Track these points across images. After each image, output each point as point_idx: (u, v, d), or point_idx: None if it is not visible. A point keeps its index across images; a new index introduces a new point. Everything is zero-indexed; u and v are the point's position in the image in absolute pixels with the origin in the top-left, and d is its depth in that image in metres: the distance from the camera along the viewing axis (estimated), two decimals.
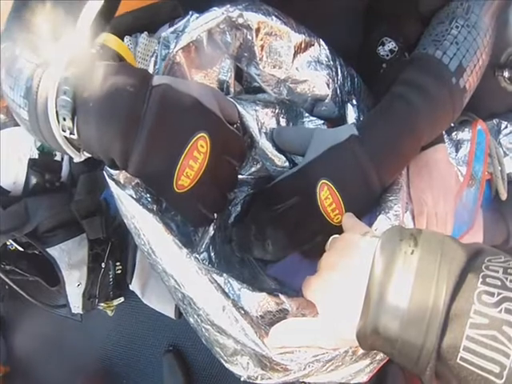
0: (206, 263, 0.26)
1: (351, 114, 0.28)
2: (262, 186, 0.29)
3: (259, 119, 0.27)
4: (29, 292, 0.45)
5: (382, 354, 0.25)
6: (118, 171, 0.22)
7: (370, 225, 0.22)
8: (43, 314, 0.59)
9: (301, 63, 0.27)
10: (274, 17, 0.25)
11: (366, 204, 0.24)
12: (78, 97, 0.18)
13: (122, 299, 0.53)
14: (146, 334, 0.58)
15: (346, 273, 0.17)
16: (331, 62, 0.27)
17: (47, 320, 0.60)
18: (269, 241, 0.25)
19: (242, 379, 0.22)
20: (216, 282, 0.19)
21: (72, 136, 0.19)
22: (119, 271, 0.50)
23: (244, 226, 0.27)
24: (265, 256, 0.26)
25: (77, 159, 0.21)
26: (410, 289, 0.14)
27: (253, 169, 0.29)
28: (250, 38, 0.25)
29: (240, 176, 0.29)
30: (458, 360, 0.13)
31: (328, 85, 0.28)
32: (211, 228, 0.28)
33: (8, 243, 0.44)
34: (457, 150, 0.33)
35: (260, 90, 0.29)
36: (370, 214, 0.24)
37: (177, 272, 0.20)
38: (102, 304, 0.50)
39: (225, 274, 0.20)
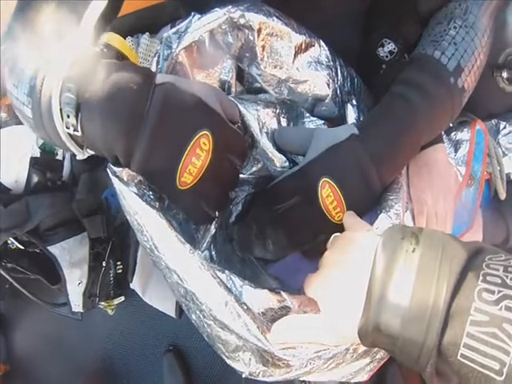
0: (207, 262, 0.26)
1: (351, 114, 0.28)
2: (263, 185, 0.29)
3: (260, 119, 0.27)
4: (30, 290, 0.45)
5: (382, 353, 0.25)
6: (121, 169, 0.22)
7: (371, 223, 0.22)
8: (43, 312, 0.59)
9: (301, 63, 0.27)
10: (275, 18, 0.25)
11: (367, 202, 0.24)
12: (82, 94, 0.18)
13: (122, 298, 0.53)
14: (146, 333, 0.58)
15: (347, 270, 0.17)
16: (331, 63, 0.28)
17: (47, 319, 0.60)
18: (269, 240, 0.25)
19: (243, 376, 0.22)
20: (219, 277, 0.19)
21: (76, 133, 0.19)
22: (120, 270, 0.50)
23: (245, 225, 0.27)
24: (266, 255, 0.26)
25: (80, 156, 0.21)
26: (411, 287, 0.14)
27: (254, 168, 0.30)
28: (252, 38, 0.25)
29: (241, 175, 0.29)
30: (458, 357, 0.13)
31: (328, 85, 0.28)
32: (213, 226, 0.28)
33: (9, 242, 0.44)
34: (456, 150, 0.33)
35: (261, 91, 0.29)
36: (370, 212, 0.24)
37: (180, 267, 0.20)
38: (103, 303, 0.50)
39: (227, 271, 0.20)
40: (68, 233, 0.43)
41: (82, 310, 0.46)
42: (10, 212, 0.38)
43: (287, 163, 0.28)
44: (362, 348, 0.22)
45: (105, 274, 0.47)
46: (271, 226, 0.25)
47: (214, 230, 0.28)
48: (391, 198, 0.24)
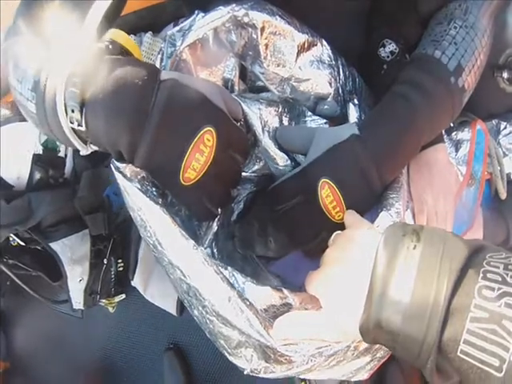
0: None
1: (353, 113, 0.28)
2: (265, 183, 0.29)
3: (263, 118, 0.27)
4: (31, 287, 0.45)
5: (382, 352, 0.25)
6: (124, 165, 0.22)
7: (372, 222, 0.22)
8: (44, 310, 0.59)
9: (304, 62, 0.27)
10: (278, 16, 0.25)
11: (367, 202, 0.24)
12: (87, 89, 0.18)
13: (123, 296, 0.53)
14: (147, 331, 0.58)
15: (348, 267, 0.17)
16: (333, 62, 0.28)
17: (48, 316, 0.60)
18: (271, 238, 0.25)
19: (245, 372, 0.22)
20: (222, 273, 0.19)
21: (80, 128, 0.19)
22: (121, 268, 0.50)
23: (246, 223, 0.27)
24: (267, 253, 0.26)
25: (83, 152, 0.21)
26: (412, 283, 0.14)
27: (256, 167, 0.30)
28: (255, 36, 0.25)
29: (243, 173, 0.29)
30: (458, 353, 0.14)
31: (330, 84, 0.28)
32: (215, 224, 0.28)
33: (10, 238, 0.44)
34: (456, 150, 0.33)
35: (263, 90, 0.29)
36: (371, 211, 0.24)
37: (183, 263, 0.20)
38: (104, 300, 0.50)
39: (229, 268, 0.20)
40: (70, 230, 0.43)
41: (82, 307, 0.46)
42: (12, 208, 0.38)
43: (289, 162, 0.28)
44: (363, 345, 0.22)
45: (106, 272, 0.47)
46: (273, 224, 0.25)
47: (216, 228, 0.28)
48: (392, 196, 0.24)
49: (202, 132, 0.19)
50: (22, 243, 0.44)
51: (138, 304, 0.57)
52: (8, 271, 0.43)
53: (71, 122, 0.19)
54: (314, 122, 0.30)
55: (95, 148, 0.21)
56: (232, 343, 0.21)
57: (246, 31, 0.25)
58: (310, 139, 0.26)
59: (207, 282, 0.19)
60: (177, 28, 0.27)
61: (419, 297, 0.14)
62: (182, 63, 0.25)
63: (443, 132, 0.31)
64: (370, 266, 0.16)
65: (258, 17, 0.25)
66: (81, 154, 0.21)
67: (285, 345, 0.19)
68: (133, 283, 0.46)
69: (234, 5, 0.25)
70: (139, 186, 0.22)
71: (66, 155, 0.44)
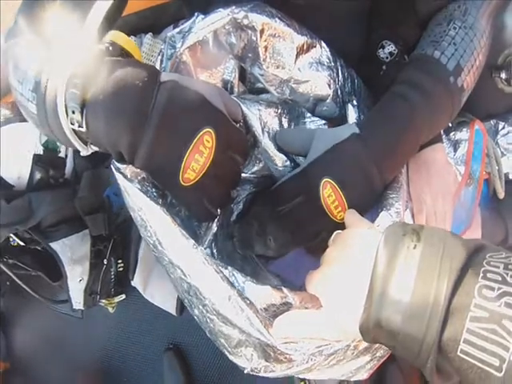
0: None
1: (352, 114, 0.28)
2: (265, 184, 0.29)
3: (262, 119, 0.27)
4: (31, 286, 0.45)
5: (382, 351, 0.25)
6: (124, 165, 0.22)
7: (372, 221, 0.22)
8: (44, 310, 0.59)
9: (303, 64, 0.27)
10: (277, 19, 0.25)
11: (368, 201, 0.24)
12: (88, 90, 0.19)
13: (123, 296, 0.53)
14: (146, 331, 0.58)
15: (348, 266, 0.17)
16: (332, 64, 0.28)
17: (48, 316, 0.60)
18: (270, 237, 0.25)
19: (245, 371, 0.22)
20: (222, 272, 0.19)
21: (80, 129, 0.19)
22: (121, 268, 0.50)
23: (246, 223, 0.28)
24: (266, 252, 0.26)
25: (84, 153, 0.21)
26: (412, 283, 0.15)
27: (255, 168, 0.30)
28: (255, 39, 0.26)
29: (243, 174, 0.29)
30: (458, 352, 0.14)
31: (329, 85, 0.28)
32: (214, 225, 0.28)
33: (10, 239, 0.44)
34: (455, 150, 0.33)
35: (263, 91, 0.30)
36: (371, 210, 0.24)
37: (183, 262, 0.20)
38: (104, 300, 0.50)
39: (229, 267, 0.20)
40: (70, 230, 0.43)
41: (82, 308, 0.46)
42: (12, 208, 0.38)
43: (288, 162, 0.28)
44: (363, 345, 0.22)
45: (106, 272, 0.47)
46: (272, 223, 0.25)
47: (215, 228, 0.28)
48: (392, 196, 0.24)
49: (201, 133, 0.19)
50: (22, 243, 0.44)
51: (137, 304, 0.57)
52: (8, 271, 0.43)
53: (72, 123, 0.19)
54: (313, 123, 0.30)
55: (95, 149, 0.21)
56: (232, 342, 0.21)
57: (246, 33, 0.26)
58: (310, 141, 0.26)
59: (207, 280, 0.19)
60: (177, 30, 0.27)
61: (419, 296, 0.14)
62: (182, 65, 0.25)
63: (442, 132, 0.31)
64: (370, 266, 0.16)
65: (258, 19, 0.25)
66: (81, 154, 0.21)
67: (285, 343, 0.19)
68: (133, 283, 0.46)
69: (233, 7, 0.25)
70: (139, 187, 0.22)
71: (66, 156, 0.45)
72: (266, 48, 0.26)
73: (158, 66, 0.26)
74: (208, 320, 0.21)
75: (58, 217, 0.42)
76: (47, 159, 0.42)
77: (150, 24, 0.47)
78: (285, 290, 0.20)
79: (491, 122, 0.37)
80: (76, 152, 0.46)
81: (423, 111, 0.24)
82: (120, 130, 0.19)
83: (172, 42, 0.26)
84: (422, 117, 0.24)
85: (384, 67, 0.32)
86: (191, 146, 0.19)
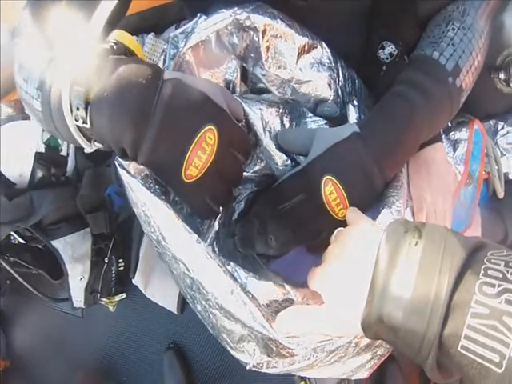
0: None
1: (352, 114, 0.29)
2: (266, 183, 0.30)
3: (264, 118, 0.28)
4: (32, 285, 0.45)
5: (382, 350, 0.25)
6: (128, 162, 0.22)
7: (373, 219, 0.23)
8: (44, 309, 0.59)
9: (304, 64, 0.28)
10: (279, 20, 0.26)
11: (369, 199, 0.24)
12: (92, 87, 0.19)
13: (124, 295, 0.53)
14: (147, 331, 0.57)
15: (350, 263, 0.17)
16: (333, 64, 0.28)
17: (48, 315, 0.60)
18: (271, 236, 0.26)
19: (247, 367, 0.22)
20: (225, 266, 0.19)
21: (84, 125, 0.19)
22: (122, 267, 0.50)
23: (247, 221, 0.28)
24: (267, 251, 0.26)
25: (87, 149, 0.21)
26: (413, 279, 0.15)
27: (257, 167, 0.30)
28: (257, 39, 0.26)
29: (244, 173, 0.29)
30: (458, 348, 0.14)
31: (330, 86, 0.29)
32: (216, 223, 0.28)
33: (11, 237, 0.44)
34: (454, 150, 0.34)
35: (264, 91, 0.30)
36: (372, 209, 0.24)
37: (186, 257, 0.20)
38: (104, 299, 0.50)
39: (232, 263, 0.20)
40: (71, 228, 0.43)
41: (83, 306, 0.46)
42: (14, 206, 0.39)
43: (289, 162, 0.29)
44: (364, 342, 0.22)
45: (107, 271, 0.47)
46: (273, 222, 0.25)
47: (217, 227, 0.28)
48: (393, 194, 0.25)
49: (203, 130, 0.20)
50: (23, 241, 0.45)
51: (138, 303, 0.57)
52: (9, 268, 0.43)
53: (76, 120, 0.19)
54: (314, 122, 0.30)
55: (99, 145, 0.21)
56: (235, 337, 0.21)
57: (248, 34, 0.26)
58: (311, 140, 0.26)
59: (210, 275, 0.19)
60: (179, 30, 0.27)
61: (420, 292, 0.14)
62: (185, 64, 0.25)
63: (441, 131, 0.31)
64: (371, 262, 0.16)
65: (260, 20, 0.25)
66: (85, 151, 0.22)
67: (287, 337, 0.19)
68: (134, 281, 0.46)
69: (236, 8, 0.25)
70: (142, 184, 0.22)
71: (68, 154, 0.45)
72: (267, 48, 0.26)
73: (160, 66, 0.26)
74: (211, 315, 0.21)
75: (59, 215, 0.42)
76: (49, 157, 0.42)
77: (152, 24, 0.48)
78: (287, 286, 0.20)
79: (490, 122, 0.37)
80: (78, 150, 0.46)
81: (423, 111, 0.24)
82: (123, 126, 0.19)
83: (175, 42, 0.27)
84: (422, 116, 0.25)
85: (384, 68, 0.32)
86: (194, 143, 0.19)
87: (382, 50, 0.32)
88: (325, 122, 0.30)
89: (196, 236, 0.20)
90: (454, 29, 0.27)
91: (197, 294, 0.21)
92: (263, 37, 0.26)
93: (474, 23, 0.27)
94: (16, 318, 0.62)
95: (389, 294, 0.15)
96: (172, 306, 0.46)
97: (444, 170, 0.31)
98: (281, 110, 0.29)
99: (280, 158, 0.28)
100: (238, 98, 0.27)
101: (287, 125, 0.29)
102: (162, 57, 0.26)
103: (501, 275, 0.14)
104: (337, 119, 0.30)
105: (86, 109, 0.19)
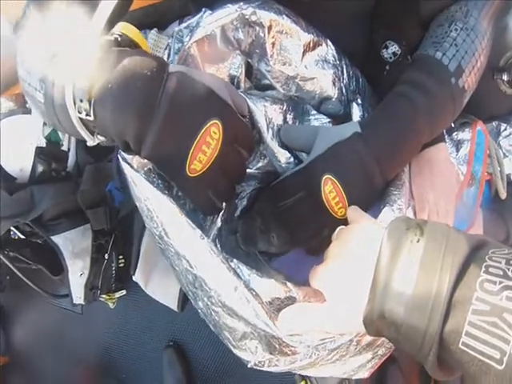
0: None
1: (356, 113, 0.29)
2: (269, 180, 0.30)
3: (267, 115, 0.28)
4: (32, 280, 0.45)
5: (383, 349, 0.25)
6: (131, 156, 0.22)
7: (375, 218, 0.23)
8: (44, 305, 0.59)
9: (309, 61, 0.28)
10: (285, 16, 0.26)
11: (369, 198, 0.24)
12: (96, 79, 0.19)
13: (124, 292, 0.53)
14: (146, 328, 0.57)
15: (352, 260, 0.17)
16: (337, 62, 0.28)
17: (48, 311, 0.59)
18: (273, 234, 0.26)
19: (249, 365, 0.22)
20: (228, 262, 0.19)
21: (88, 118, 0.19)
22: (122, 264, 0.49)
23: (249, 219, 0.28)
24: (269, 249, 0.26)
25: (90, 143, 0.21)
26: (414, 276, 0.15)
27: (260, 163, 0.30)
28: (262, 35, 0.26)
29: (248, 170, 0.29)
30: (459, 345, 0.14)
31: (334, 83, 0.29)
32: (219, 219, 0.28)
33: (11, 232, 0.44)
34: (457, 150, 0.34)
35: (269, 88, 0.30)
36: (373, 207, 0.24)
37: (189, 253, 0.20)
38: (104, 296, 0.50)
39: (235, 260, 0.20)
40: (71, 223, 0.43)
41: (83, 302, 0.46)
42: (14, 200, 0.38)
43: (292, 159, 0.29)
44: (365, 340, 0.22)
45: (107, 267, 0.47)
46: (275, 220, 0.25)
47: (219, 223, 0.28)
48: (394, 193, 0.25)
49: (208, 124, 0.20)
50: (23, 236, 0.44)
51: (138, 301, 0.56)
52: (9, 264, 0.42)
53: (79, 112, 0.19)
54: (317, 120, 0.30)
55: (102, 139, 0.21)
56: (237, 335, 0.21)
57: (254, 29, 0.26)
58: (314, 137, 0.26)
59: (213, 271, 0.19)
60: (184, 24, 0.27)
61: (422, 289, 0.14)
62: (190, 58, 0.25)
63: (444, 132, 0.31)
64: (373, 259, 0.16)
65: (266, 16, 0.25)
66: (87, 144, 0.21)
67: (290, 335, 0.19)
68: (134, 278, 0.45)
69: (241, 3, 0.25)
70: (145, 178, 0.22)
71: (69, 149, 0.44)
72: (273, 44, 0.26)
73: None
74: (213, 312, 0.21)
75: (59, 210, 0.42)
76: (50, 152, 0.42)
77: (154, 20, 0.47)
78: (289, 284, 0.20)
79: (493, 123, 0.37)
80: (79, 145, 0.46)
81: (425, 111, 0.24)
82: (127, 119, 0.19)
83: (179, 36, 0.26)
84: (424, 117, 0.25)
85: (387, 67, 0.32)
86: (198, 137, 0.19)
87: (385, 50, 0.32)
88: (328, 120, 0.30)
89: (199, 231, 0.20)
90: (456, 29, 0.27)
91: (199, 291, 0.21)
92: (269, 32, 0.26)
93: (477, 24, 0.27)
94: (16, 313, 0.62)
95: (391, 290, 0.15)
96: (172, 303, 0.45)
97: (447, 170, 0.31)
98: (285, 107, 0.29)
99: (283, 156, 0.28)
100: (242, 94, 0.27)
101: (290, 122, 0.29)
102: (167, 51, 0.26)
103: (502, 273, 0.14)
104: (340, 117, 0.30)
105: (89, 101, 0.19)
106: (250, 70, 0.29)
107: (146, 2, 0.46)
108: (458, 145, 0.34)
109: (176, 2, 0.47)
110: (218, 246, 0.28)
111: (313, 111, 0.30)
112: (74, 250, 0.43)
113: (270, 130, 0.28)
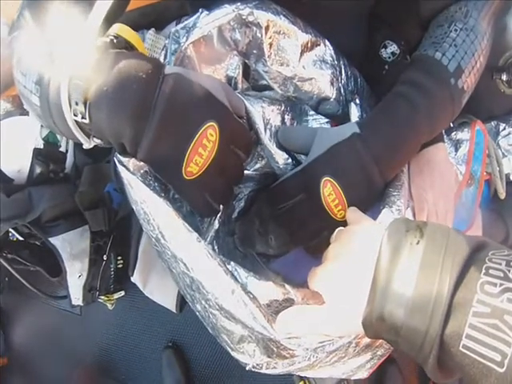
0: None
1: (354, 113, 0.29)
2: (267, 182, 0.29)
3: (265, 116, 0.27)
4: (30, 282, 0.45)
5: (383, 350, 0.25)
6: (127, 159, 0.22)
7: (374, 219, 0.22)
8: (43, 306, 0.59)
9: (307, 62, 0.27)
10: (282, 16, 0.26)
11: (369, 199, 0.24)
12: (91, 82, 0.19)
13: (122, 293, 0.53)
14: (145, 329, 0.58)
15: (351, 261, 0.17)
16: (335, 62, 0.28)
17: (46, 313, 0.59)
18: (272, 236, 0.26)
19: (247, 368, 0.22)
20: (225, 265, 0.19)
21: (83, 120, 0.19)
22: (120, 265, 0.49)
23: (247, 220, 0.28)
24: (267, 251, 0.26)
25: (86, 145, 0.21)
26: (414, 278, 0.15)
27: (258, 165, 0.30)
28: (259, 35, 0.26)
29: (245, 171, 0.29)
30: (460, 347, 0.14)
31: (332, 83, 0.28)
32: (216, 221, 0.28)
33: (10, 234, 0.44)
34: (456, 150, 0.34)
35: (266, 89, 0.30)
36: (373, 208, 0.24)
37: (186, 256, 0.20)
38: (103, 297, 0.50)
39: (232, 262, 0.20)
40: (69, 225, 0.43)
41: (81, 304, 0.46)
42: (12, 202, 0.38)
43: (290, 160, 0.28)
44: (365, 342, 0.22)
45: (105, 268, 0.47)
46: (274, 222, 0.25)
47: (217, 225, 0.28)
48: (394, 194, 0.24)
49: (205, 127, 0.19)
50: (21, 238, 0.44)
51: (137, 302, 0.56)
52: (7, 266, 0.42)
53: (75, 115, 0.19)
54: (316, 120, 0.30)
55: (98, 141, 0.21)
56: (235, 338, 0.21)
57: (251, 30, 0.26)
58: (312, 139, 0.26)
59: (211, 274, 0.19)
60: (181, 25, 0.27)
61: (422, 290, 0.14)
62: (187, 59, 0.25)
63: (443, 132, 0.31)
64: (373, 261, 0.16)
65: (263, 16, 0.25)
66: (84, 147, 0.21)
67: (288, 338, 0.19)
68: (132, 279, 0.45)
69: (238, 3, 0.25)
70: (142, 181, 0.22)
71: (66, 150, 0.44)
72: (270, 45, 0.26)
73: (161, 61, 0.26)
74: (210, 315, 0.21)
75: (57, 211, 0.42)
76: (47, 153, 0.42)
77: (152, 20, 0.47)
78: (287, 286, 0.20)
79: (492, 123, 0.37)
80: (77, 146, 0.46)
81: (424, 112, 0.24)
82: (123, 121, 0.19)
83: (176, 37, 0.26)
84: (423, 117, 0.24)
85: (386, 67, 0.32)
86: (195, 139, 0.19)
87: (384, 49, 0.32)
88: (326, 120, 0.30)
89: (196, 234, 0.20)
90: (456, 30, 0.27)
91: (196, 294, 0.21)
92: (266, 33, 0.25)
93: (477, 24, 0.27)
94: (14, 315, 0.62)
95: (390, 292, 0.15)
96: (171, 304, 0.45)
97: (446, 170, 0.31)
98: (282, 108, 0.28)
99: (281, 157, 0.28)
100: (239, 95, 0.27)
101: (288, 123, 0.29)
102: (163, 52, 0.26)
103: (502, 274, 0.14)
104: (339, 117, 0.30)
105: (84, 104, 0.19)
106: (247, 71, 0.29)
107: (143, 2, 0.46)
108: (456, 144, 0.34)
109: (173, 3, 0.46)
110: (216, 247, 0.28)
111: (311, 112, 0.30)
112: (73, 251, 0.43)
113: (268, 131, 0.28)
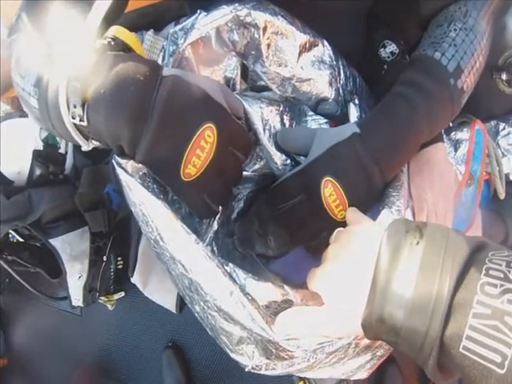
0: None
1: (353, 113, 0.29)
2: (266, 182, 0.29)
3: (264, 116, 0.27)
4: (30, 283, 0.45)
5: (382, 350, 0.25)
6: (125, 161, 0.22)
7: (374, 220, 0.22)
8: (43, 307, 0.59)
9: (305, 62, 0.27)
10: (280, 16, 0.25)
11: (369, 199, 0.24)
12: (89, 84, 0.19)
13: (122, 294, 0.53)
14: (146, 329, 0.58)
15: (350, 262, 0.17)
16: (334, 62, 0.28)
17: (47, 314, 0.60)
18: (271, 237, 0.25)
19: (246, 369, 0.22)
20: (224, 267, 0.19)
21: (81, 123, 0.19)
22: (120, 266, 0.50)
23: (247, 221, 0.28)
24: (267, 252, 0.26)
25: (85, 148, 0.21)
26: (414, 279, 0.15)
27: (257, 166, 0.30)
28: (257, 36, 0.26)
29: (244, 172, 0.29)
30: (460, 349, 0.14)
31: (331, 84, 0.28)
32: (215, 222, 0.28)
33: (10, 235, 0.44)
34: (455, 150, 0.34)
35: (265, 89, 0.30)
36: (372, 209, 0.24)
37: (185, 257, 0.20)
38: (103, 298, 0.50)
39: (231, 264, 0.20)
40: (69, 226, 0.43)
41: (82, 305, 0.46)
42: (12, 204, 0.38)
43: (288, 161, 0.28)
44: (364, 343, 0.22)
45: (105, 269, 0.47)
46: (273, 223, 0.25)
47: (216, 226, 0.28)
48: (393, 194, 0.24)
49: (202, 128, 0.19)
50: (21, 239, 0.44)
51: (137, 302, 0.57)
52: (7, 267, 0.43)
53: (73, 117, 0.19)
54: (314, 121, 0.30)
55: (97, 144, 0.21)
56: (234, 339, 0.21)
57: (249, 31, 0.26)
58: (311, 140, 0.26)
59: (209, 276, 0.19)
60: (179, 26, 0.27)
61: (422, 291, 0.14)
62: (185, 61, 0.25)
63: (442, 131, 0.31)
64: (372, 262, 0.16)
65: (261, 17, 0.25)
66: (82, 149, 0.21)
67: (287, 340, 0.19)
68: (132, 280, 0.45)
69: (236, 4, 0.25)
70: (141, 183, 0.22)
71: (66, 152, 0.44)
72: (268, 46, 0.26)
73: (159, 63, 0.26)
74: (209, 317, 0.21)
75: (57, 213, 0.42)
76: (47, 155, 0.42)
77: (150, 21, 0.47)
78: (286, 287, 0.20)
79: (492, 122, 0.37)
80: (76, 148, 0.46)
81: (424, 112, 0.24)
82: (121, 123, 0.19)
83: (174, 38, 0.26)
84: (423, 118, 0.24)
85: (385, 67, 0.32)
86: (192, 141, 0.19)
87: (383, 49, 0.32)
88: (325, 120, 0.30)
89: (194, 236, 0.20)
90: (455, 29, 0.27)
91: (195, 295, 0.21)
92: (264, 34, 0.25)
93: (476, 24, 0.27)
94: (15, 316, 0.62)
95: (390, 293, 0.15)
96: (170, 305, 0.46)
97: (446, 170, 0.31)
98: (281, 109, 0.28)
99: (279, 158, 0.28)
100: (237, 96, 0.27)
101: (287, 123, 0.29)
102: (161, 53, 0.26)
103: (502, 275, 0.14)
104: (338, 118, 0.30)
105: (82, 106, 0.19)
106: (245, 72, 0.29)
107: (142, 3, 0.46)
108: (456, 144, 0.34)
109: (172, 4, 0.46)
110: (215, 248, 0.28)
111: (310, 112, 0.30)
112: (72, 252, 0.43)
113: (267, 132, 0.28)
